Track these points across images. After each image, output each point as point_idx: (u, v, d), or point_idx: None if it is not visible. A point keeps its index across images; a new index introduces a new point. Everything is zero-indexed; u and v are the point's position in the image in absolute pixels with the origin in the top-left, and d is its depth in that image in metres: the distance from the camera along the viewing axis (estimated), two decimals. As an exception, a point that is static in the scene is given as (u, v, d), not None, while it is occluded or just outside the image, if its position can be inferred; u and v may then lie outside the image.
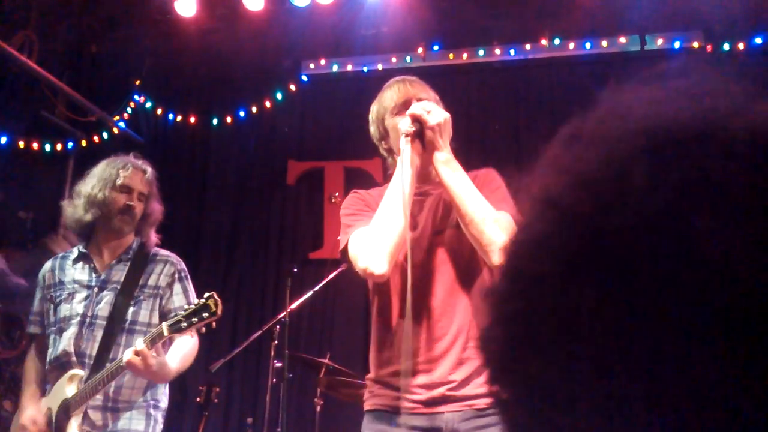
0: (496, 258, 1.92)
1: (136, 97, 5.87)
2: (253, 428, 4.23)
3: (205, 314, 2.41)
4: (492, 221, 1.96)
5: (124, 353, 2.44)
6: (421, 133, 2.08)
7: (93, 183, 2.78)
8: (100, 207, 2.73)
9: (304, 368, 4.43)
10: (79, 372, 2.58)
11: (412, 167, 2.07)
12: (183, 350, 2.64)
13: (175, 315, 2.44)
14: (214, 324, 2.53)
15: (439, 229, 2.15)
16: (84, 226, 2.78)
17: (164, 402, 2.77)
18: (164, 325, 2.40)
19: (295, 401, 4.73)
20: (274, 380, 3.78)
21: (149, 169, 2.88)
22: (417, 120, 2.08)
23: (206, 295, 2.45)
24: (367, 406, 2.14)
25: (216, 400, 3.96)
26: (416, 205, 2.18)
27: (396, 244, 2.01)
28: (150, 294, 2.71)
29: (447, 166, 2.06)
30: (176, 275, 2.77)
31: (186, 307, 2.46)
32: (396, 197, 2.05)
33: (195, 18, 5.24)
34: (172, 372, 2.58)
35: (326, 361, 3.91)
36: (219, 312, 2.44)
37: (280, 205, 5.67)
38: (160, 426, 2.73)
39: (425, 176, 2.20)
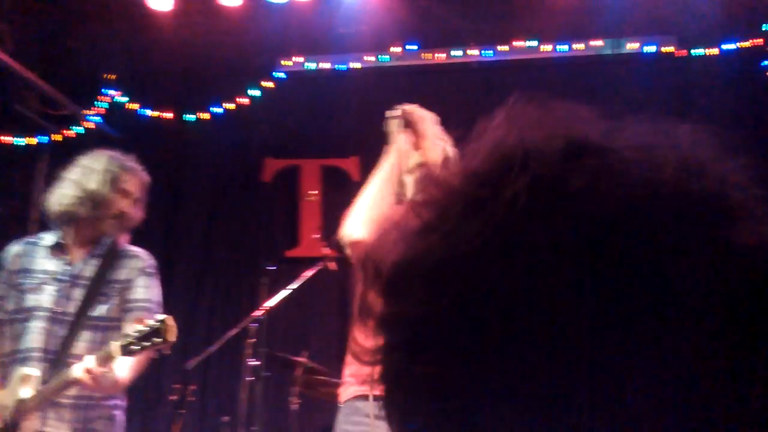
0: None
1: (111, 91, 5.81)
2: (229, 427, 4.21)
3: (156, 339, 2.34)
4: None
5: (74, 369, 2.39)
6: (411, 125, 2.29)
7: (93, 178, 2.71)
8: (97, 205, 2.69)
9: (281, 367, 4.43)
10: (33, 372, 2.53)
11: (401, 150, 2.25)
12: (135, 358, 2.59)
13: (129, 337, 2.38)
14: (168, 351, 2.49)
15: None
16: (69, 218, 2.73)
17: (125, 400, 2.75)
18: (116, 346, 2.36)
19: (271, 400, 4.72)
20: (251, 378, 3.77)
21: (145, 175, 2.87)
22: (405, 115, 2.29)
23: (159, 317, 2.37)
24: (343, 397, 2.14)
25: (191, 399, 3.94)
26: None
27: (375, 210, 2.16)
28: (118, 289, 2.69)
29: (433, 152, 2.24)
30: (144, 270, 2.76)
31: (139, 328, 2.38)
32: (383, 173, 2.23)
33: (172, 12, 5.20)
34: (125, 384, 2.55)
35: (303, 359, 3.92)
36: (170, 338, 2.33)
37: (256, 202, 5.65)
38: (123, 424, 2.72)
39: None
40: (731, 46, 5.16)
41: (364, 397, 2.07)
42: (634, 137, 0.46)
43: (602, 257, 0.41)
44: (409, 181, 2.34)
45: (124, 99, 5.84)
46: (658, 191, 0.42)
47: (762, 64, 5.11)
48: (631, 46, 5.35)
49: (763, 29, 5.07)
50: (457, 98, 5.52)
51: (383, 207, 2.16)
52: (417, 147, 2.28)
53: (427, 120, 2.31)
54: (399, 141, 2.24)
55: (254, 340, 3.78)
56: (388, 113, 2.27)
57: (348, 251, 2.19)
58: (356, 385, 2.11)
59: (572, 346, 0.40)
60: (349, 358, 2.21)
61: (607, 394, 0.40)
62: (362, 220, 2.14)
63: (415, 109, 2.32)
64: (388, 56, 5.64)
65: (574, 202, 0.43)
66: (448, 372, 0.43)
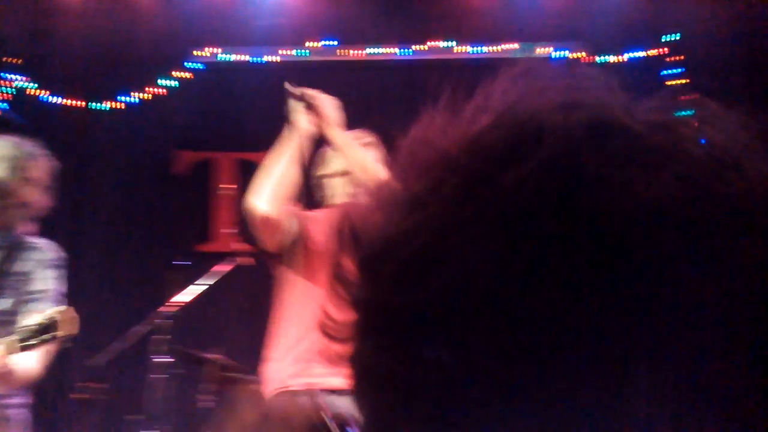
0: None
1: (15, 76, 5.56)
2: (137, 426, 4.12)
3: (55, 332, 2.28)
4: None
5: None
6: (313, 108, 2.38)
7: None
8: (1, 195, 2.57)
9: (194, 364, 4.36)
10: None
11: (305, 132, 2.35)
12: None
13: (26, 331, 2.30)
14: (69, 342, 2.43)
15: None
16: None
17: (27, 397, 2.65)
18: (12, 340, 2.28)
19: (182, 398, 4.65)
20: (160, 376, 3.71)
21: (52, 161, 2.77)
22: (305, 98, 2.38)
23: (58, 309, 2.33)
24: (263, 394, 2.14)
25: (97, 397, 3.84)
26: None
27: (283, 186, 2.24)
28: (17, 281, 2.60)
29: (336, 132, 2.37)
30: (48, 262, 2.67)
31: (37, 321, 2.32)
32: (288, 153, 2.32)
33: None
34: (36, 376, 2.47)
35: (218, 356, 3.87)
36: (69, 330, 2.28)
37: (168, 195, 5.55)
38: (25, 423, 2.62)
39: None
40: (637, 55, 5.43)
41: (285, 393, 2.08)
42: (663, 118, 0.41)
43: (618, 256, 0.37)
44: (335, 183, 2.38)
45: (31, 85, 5.60)
46: (687, 187, 0.37)
47: (661, 72, 5.39)
48: (541, 51, 5.54)
49: (663, 40, 5.36)
50: (375, 95, 5.58)
51: (289, 186, 2.24)
52: (319, 128, 2.36)
53: (328, 103, 2.39)
54: (302, 122, 2.31)
55: (166, 336, 3.71)
56: (287, 87, 2.33)
57: (255, 225, 2.22)
58: (277, 381, 2.12)
59: (569, 351, 0.36)
60: (268, 354, 2.21)
61: (609, 400, 0.36)
62: (269, 196, 2.16)
63: (315, 94, 2.40)
64: (306, 51, 5.63)
65: (591, 190, 0.37)
66: (423, 370, 0.38)
